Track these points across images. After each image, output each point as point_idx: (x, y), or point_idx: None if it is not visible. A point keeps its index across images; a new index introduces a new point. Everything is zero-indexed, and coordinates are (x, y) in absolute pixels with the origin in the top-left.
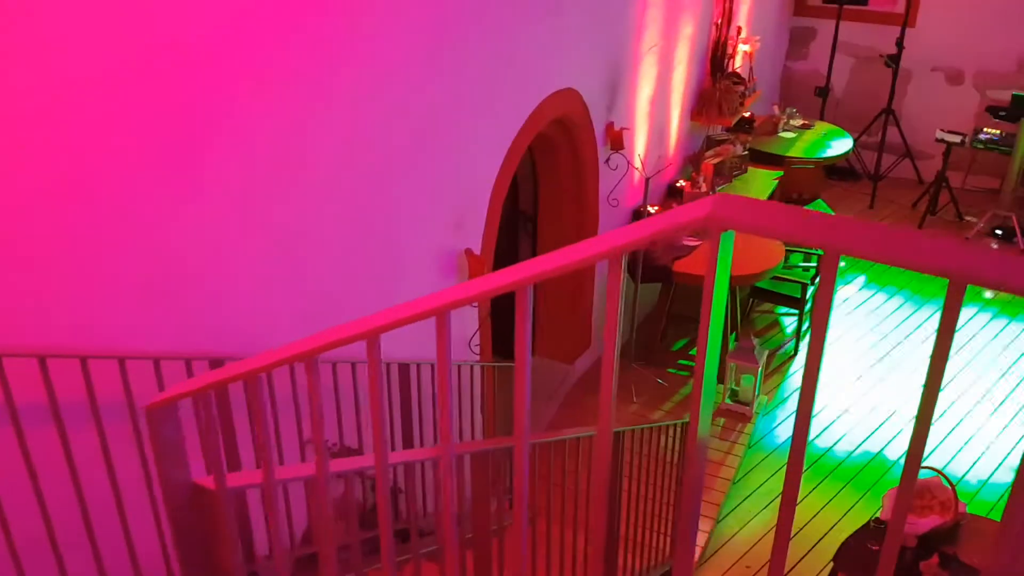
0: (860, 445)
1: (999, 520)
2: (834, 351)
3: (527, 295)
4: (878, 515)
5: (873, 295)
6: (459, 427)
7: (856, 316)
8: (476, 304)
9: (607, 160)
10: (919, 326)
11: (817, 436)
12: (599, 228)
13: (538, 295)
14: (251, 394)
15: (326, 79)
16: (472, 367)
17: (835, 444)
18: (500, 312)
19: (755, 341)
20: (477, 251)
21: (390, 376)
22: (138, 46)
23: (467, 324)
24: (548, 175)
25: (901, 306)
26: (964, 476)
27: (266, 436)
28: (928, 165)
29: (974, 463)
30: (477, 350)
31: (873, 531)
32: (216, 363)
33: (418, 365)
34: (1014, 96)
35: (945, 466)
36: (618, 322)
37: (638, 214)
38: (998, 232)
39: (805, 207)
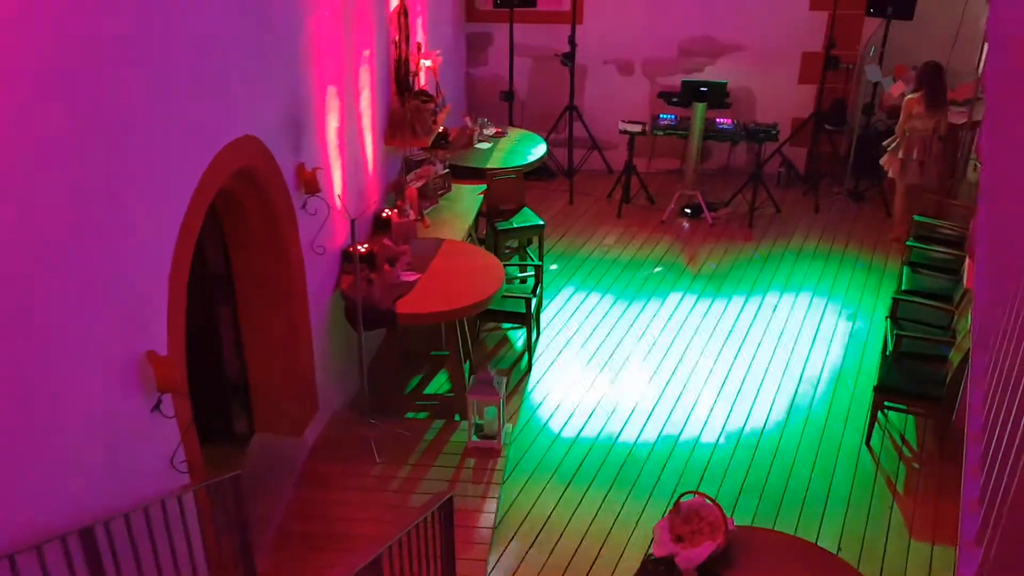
0: (615, 441)
1: (768, 528)
2: (568, 355)
3: None
4: (651, 551)
5: (587, 296)
6: None
7: (578, 318)
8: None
9: (304, 205)
10: (635, 319)
11: (574, 438)
12: (307, 279)
13: (249, 360)
14: None
15: None
16: (180, 499)
17: (592, 445)
18: (198, 372)
19: (492, 372)
20: (163, 350)
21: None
22: None
23: (161, 437)
24: (239, 233)
25: (614, 303)
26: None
27: None
28: (615, 155)
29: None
30: (184, 467)
31: (652, 571)
32: None
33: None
34: (684, 82)
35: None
36: None
37: (348, 256)
38: (687, 211)
39: (513, 218)
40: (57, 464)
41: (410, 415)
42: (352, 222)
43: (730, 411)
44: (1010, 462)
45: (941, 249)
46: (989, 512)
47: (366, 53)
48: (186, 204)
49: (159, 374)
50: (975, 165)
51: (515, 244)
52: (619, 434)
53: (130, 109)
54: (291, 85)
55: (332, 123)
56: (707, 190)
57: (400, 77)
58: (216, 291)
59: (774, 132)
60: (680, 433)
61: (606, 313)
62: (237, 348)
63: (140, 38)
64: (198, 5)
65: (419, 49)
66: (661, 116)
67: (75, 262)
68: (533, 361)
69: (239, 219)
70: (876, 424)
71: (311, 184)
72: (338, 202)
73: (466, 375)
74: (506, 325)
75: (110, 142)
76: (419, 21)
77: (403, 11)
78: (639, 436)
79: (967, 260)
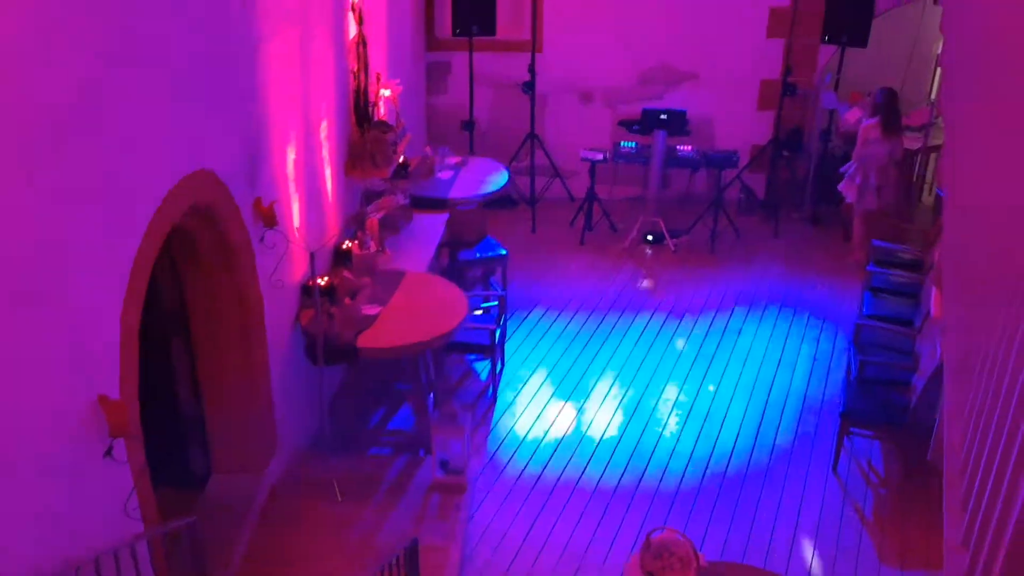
0: (583, 473)
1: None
2: (534, 385)
3: None
4: None
5: (551, 324)
6: None
7: (544, 347)
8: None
9: (262, 239)
10: (600, 347)
11: (541, 471)
12: (265, 314)
13: (206, 398)
14: None
15: None
16: (134, 548)
17: (560, 478)
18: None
19: (457, 404)
20: (115, 392)
21: None
22: None
23: (113, 482)
24: (194, 269)
25: (579, 331)
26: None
27: None
28: (577, 183)
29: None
30: (137, 514)
31: None
32: None
33: None
34: (644, 111)
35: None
36: None
37: (308, 290)
38: (650, 237)
39: (475, 248)
40: (2, 516)
41: (375, 451)
42: (311, 255)
43: (697, 438)
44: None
45: (901, 273)
46: (977, 556)
47: (324, 84)
48: (138, 242)
49: (111, 419)
50: (930, 189)
51: (478, 274)
52: (586, 466)
53: (78, 145)
54: (248, 117)
55: (290, 155)
56: (669, 217)
57: (359, 107)
58: (171, 329)
59: (734, 159)
60: (648, 463)
61: (571, 341)
62: (193, 387)
63: (90, 73)
64: (150, 36)
65: (378, 79)
66: (622, 144)
67: (23, 303)
68: (498, 392)
69: (194, 255)
70: (842, 450)
71: (268, 218)
72: (296, 235)
73: (431, 408)
74: (471, 356)
75: (58, 178)
76: (378, 51)
77: (361, 41)
78: (607, 467)
79: (933, 288)
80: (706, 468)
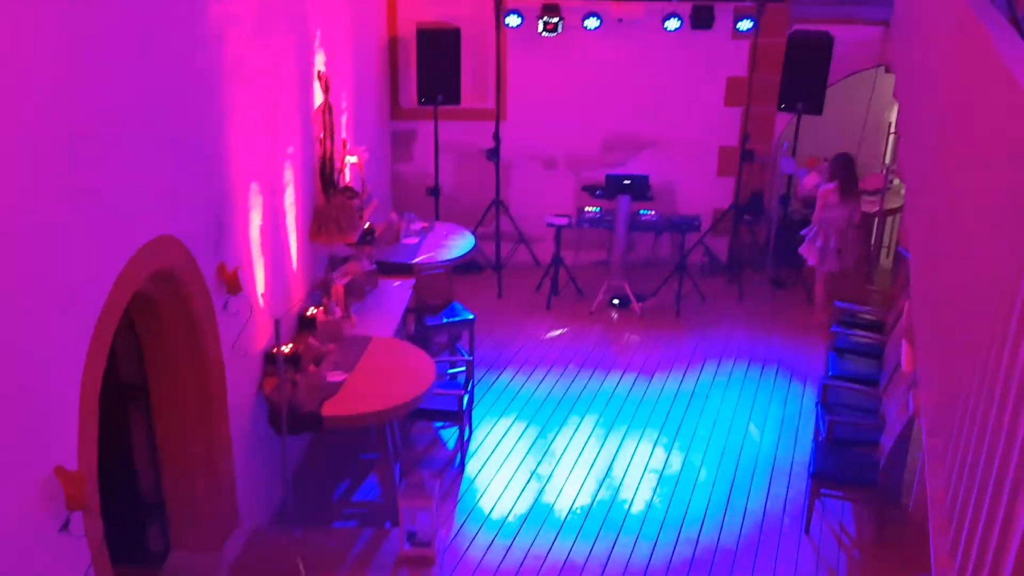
0: (553, 543)
1: None
2: (503, 453)
3: None
4: None
5: (520, 389)
6: None
7: (512, 413)
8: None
9: (225, 306)
10: (569, 411)
11: (511, 542)
12: (227, 384)
13: (165, 472)
14: None
15: None
16: None
17: (530, 549)
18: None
19: (424, 474)
20: (73, 465)
21: None
22: None
23: (70, 559)
24: (155, 338)
25: (547, 396)
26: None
27: None
28: (542, 248)
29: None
30: None
31: None
32: None
33: None
34: (608, 176)
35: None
36: None
37: (271, 357)
38: (615, 301)
39: (442, 313)
40: None
41: (338, 524)
42: (276, 322)
43: (668, 505)
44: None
45: (864, 334)
46: None
47: (290, 150)
48: (98, 310)
49: (69, 491)
50: (888, 252)
51: (444, 339)
52: (556, 536)
53: (42, 210)
54: (213, 182)
55: (255, 220)
56: (634, 281)
57: (325, 173)
58: (129, 400)
59: (696, 223)
60: (619, 532)
61: (540, 407)
62: (152, 460)
63: (53, 135)
64: (116, 104)
65: (344, 145)
66: (587, 209)
67: None
68: (467, 461)
69: (156, 323)
70: (814, 512)
71: (233, 284)
72: (260, 301)
73: (397, 478)
74: (437, 424)
75: (15, 244)
76: (343, 118)
77: (327, 109)
78: (577, 536)
79: (903, 342)
80: (678, 536)
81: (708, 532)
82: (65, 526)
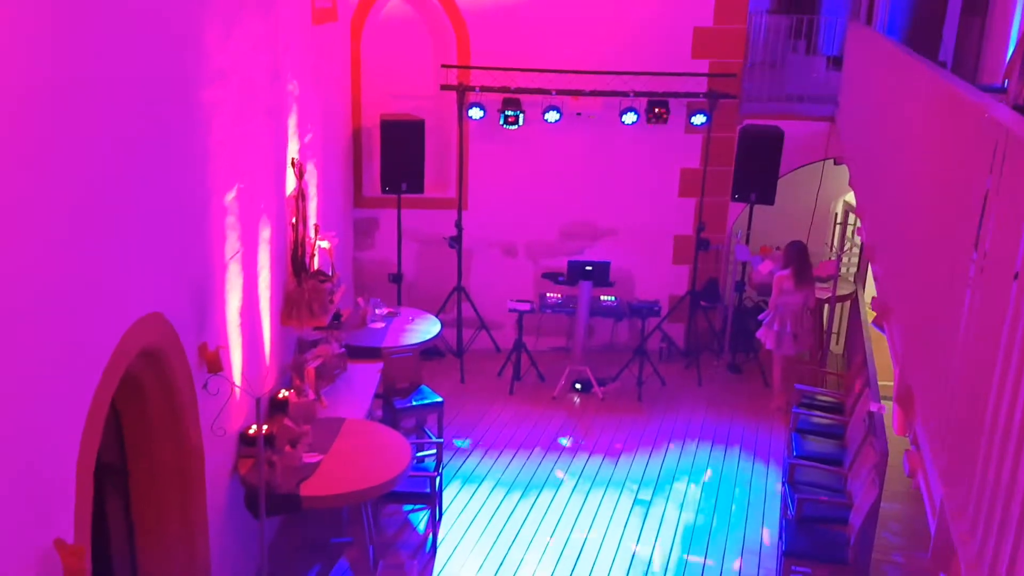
0: None
1: None
2: (472, 537)
3: None
4: None
5: (487, 474)
6: None
7: (480, 498)
8: None
9: (205, 386)
10: (537, 496)
11: None
12: (206, 463)
13: (141, 558)
14: None
15: None
16: None
17: None
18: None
19: (403, 556)
20: (70, 538)
21: None
22: None
23: None
24: (136, 417)
25: (515, 480)
26: None
27: None
28: (502, 334)
29: None
30: None
31: None
32: None
33: None
34: (569, 263)
35: None
36: None
37: (245, 439)
38: (578, 386)
39: (411, 396)
40: None
41: None
42: (257, 401)
43: None
44: None
45: (824, 415)
46: None
47: (265, 234)
48: (95, 383)
49: (68, 563)
50: (838, 339)
51: (412, 423)
52: None
53: (44, 281)
54: (195, 262)
55: (233, 302)
56: (594, 365)
57: (297, 257)
58: (107, 483)
59: (656, 308)
60: None
61: (508, 491)
62: (128, 540)
63: (51, 206)
64: (103, 173)
65: (316, 230)
66: (548, 295)
67: None
68: (438, 544)
69: (139, 402)
70: None
71: (214, 363)
72: (239, 381)
73: (371, 562)
74: (407, 507)
75: (21, 314)
76: (313, 204)
77: (300, 194)
78: None
79: (896, 408)
80: None
81: None
82: None
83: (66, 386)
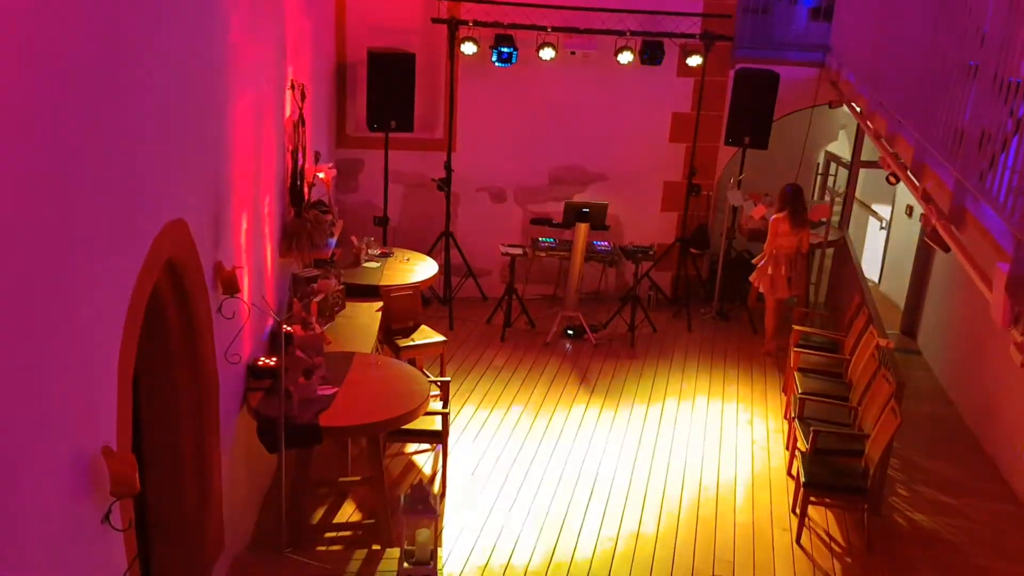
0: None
1: None
2: (480, 479)
3: None
4: None
5: (487, 418)
6: None
7: (482, 441)
8: None
9: (219, 308)
10: (541, 438)
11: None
12: (220, 393)
13: (150, 497)
14: None
15: None
16: None
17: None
18: None
19: (427, 487)
20: (113, 446)
21: None
22: None
23: (106, 563)
24: (155, 338)
25: (516, 424)
26: None
27: None
28: (488, 281)
29: None
30: None
31: None
32: None
33: None
34: (566, 204)
35: None
36: None
37: (255, 370)
38: (570, 332)
39: (413, 335)
40: None
41: (322, 547)
42: (279, 323)
43: (658, 526)
44: None
45: (823, 353)
46: None
47: (269, 158)
48: (131, 287)
49: (115, 471)
50: (815, 289)
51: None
52: (552, 556)
53: (86, 181)
54: (213, 173)
55: (243, 223)
56: (585, 312)
57: (295, 188)
58: None
59: (651, 252)
60: (615, 547)
61: (510, 434)
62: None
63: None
64: (135, 78)
65: (317, 158)
66: (541, 239)
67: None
68: (447, 484)
69: (157, 320)
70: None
71: (230, 283)
72: (262, 303)
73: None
74: (411, 447)
75: (65, 205)
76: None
77: (300, 120)
78: (577, 543)
79: (1005, 297)
80: (673, 558)
81: (703, 550)
82: (106, 517)
83: (107, 286)
